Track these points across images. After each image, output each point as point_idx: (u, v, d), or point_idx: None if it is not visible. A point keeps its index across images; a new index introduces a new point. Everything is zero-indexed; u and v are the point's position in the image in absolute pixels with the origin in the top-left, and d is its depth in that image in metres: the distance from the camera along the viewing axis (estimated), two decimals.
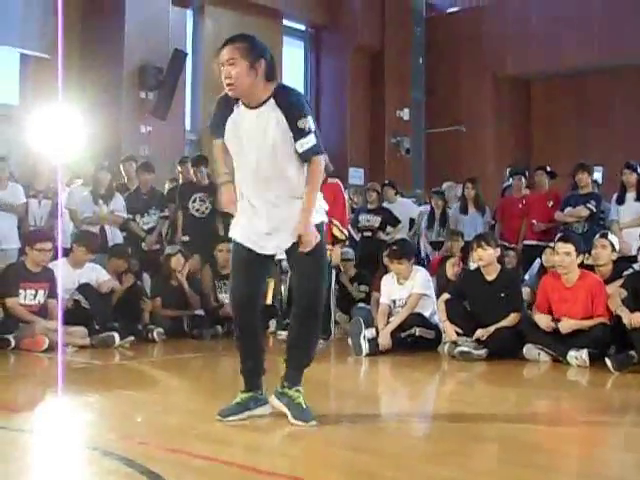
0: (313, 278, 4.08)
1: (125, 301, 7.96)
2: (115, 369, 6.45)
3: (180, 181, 9.90)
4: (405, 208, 10.90)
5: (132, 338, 7.48)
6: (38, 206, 8.59)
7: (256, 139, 3.99)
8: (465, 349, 6.58)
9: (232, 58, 3.90)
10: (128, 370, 6.46)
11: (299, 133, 3.95)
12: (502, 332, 6.64)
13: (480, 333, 6.63)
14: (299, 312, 4.14)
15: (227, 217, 9.18)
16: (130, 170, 9.58)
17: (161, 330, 7.79)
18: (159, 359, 7.19)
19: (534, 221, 9.45)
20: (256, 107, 3.98)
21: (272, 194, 4.04)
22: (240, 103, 4.04)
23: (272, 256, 4.20)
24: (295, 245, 4.04)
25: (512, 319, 6.73)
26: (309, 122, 3.97)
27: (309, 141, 3.97)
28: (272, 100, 3.96)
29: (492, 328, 6.65)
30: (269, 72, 3.98)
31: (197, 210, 9.20)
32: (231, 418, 4.06)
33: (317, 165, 4.05)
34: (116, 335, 7.27)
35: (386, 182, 11.15)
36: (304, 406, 4.03)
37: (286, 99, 3.97)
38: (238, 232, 4.15)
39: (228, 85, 3.94)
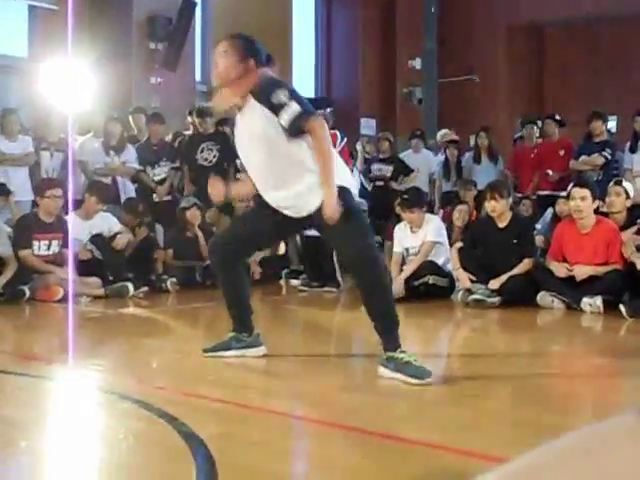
0: (352, 244, 3.84)
1: (138, 252, 7.99)
2: (130, 318, 6.48)
3: (190, 132, 9.88)
4: (427, 160, 10.85)
5: (146, 288, 7.52)
6: (50, 158, 8.57)
7: (247, 140, 3.99)
8: (479, 297, 6.58)
9: (224, 51, 3.98)
10: (143, 319, 6.50)
11: (275, 108, 3.80)
12: (515, 280, 6.64)
13: (494, 284, 6.63)
14: (356, 281, 4.01)
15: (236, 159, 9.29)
16: (139, 122, 9.55)
17: (174, 280, 7.83)
18: (173, 308, 7.23)
19: (549, 171, 9.40)
20: (242, 110, 4.00)
21: (283, 179, 3.91)
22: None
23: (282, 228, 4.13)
24: (321, 219, 3.82)
25: (525, 265, 6.72)
26: (280, 94, 3.81)
27: (290, 110, 3.79)
28: (251, 98, 3.92)
29: (505, 277, 6.65)
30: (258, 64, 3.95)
31: (205, 159, 9.18)
32: (211, 354, 4.24)
33: (317, 130, 3.81)
34: (130, 285, 7.31)
35: (417, 133, 11.09)
36: (414, 364, 3.73)
37: (258, 89, 3.90)
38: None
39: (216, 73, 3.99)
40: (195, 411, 3.25)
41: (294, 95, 3.84)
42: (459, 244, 7.10)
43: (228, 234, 4.40)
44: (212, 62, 4.02)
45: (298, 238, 9.34)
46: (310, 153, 3.86)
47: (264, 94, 3.85)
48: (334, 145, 7.89)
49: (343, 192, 3.84)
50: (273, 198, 3.99)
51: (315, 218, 3.89)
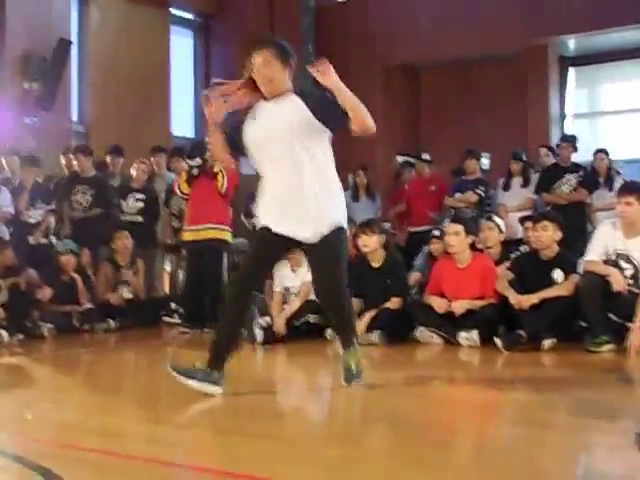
0: (332, 278, 4.38)
1: (12, 297, 7.73)
2: (4, 367, 6.27)
3: (66, 173, 9.75)
4: None
5: (21, 335, 7.31)
6: None
7: (274, 124, 4.27)
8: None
9: (266, 61, 4.30)
10: (18, 368, 6.29)
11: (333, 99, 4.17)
12: (390, 316, 6.77)
13: (360, 325, 6.70)
14: (329, 306, 4.57)
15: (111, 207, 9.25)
16: (12, 164, 9.30)
17: (51, 326, 7.62)
18: (49, 355, 7.03)
19: (431, 213, 9.64)
20: (274, 98, 4.33)
21: (301, 179, 4.24)
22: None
23: (288, 247, 4.50)
24: (316, 248, 4.31)
25: (394, 303, 6.86)
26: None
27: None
28: (292, 94, 4.34)
29: (372, 312, 6.80)
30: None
31: (78, 202, 9.10)
32: (175, 375, 4.28)
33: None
34: (4, 332, 7.12)
35: None
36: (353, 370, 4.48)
37: (306, 90, 4.41)
38: (270, 220, 4.33)
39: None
40: (70, 462, 3.16)
41: None
42: None
43: (253, 267, 4.42)
44: (256, 69, 4.30)
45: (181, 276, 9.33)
46: (329, 159, 4.36)
47: (314, 93, 4.35)
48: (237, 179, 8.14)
49: (342, 232, 4.39)
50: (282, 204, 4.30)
51: (313, 248, 4.34)
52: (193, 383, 4.25)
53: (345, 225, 4.43)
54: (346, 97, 4.17)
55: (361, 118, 4.18)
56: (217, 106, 4.38)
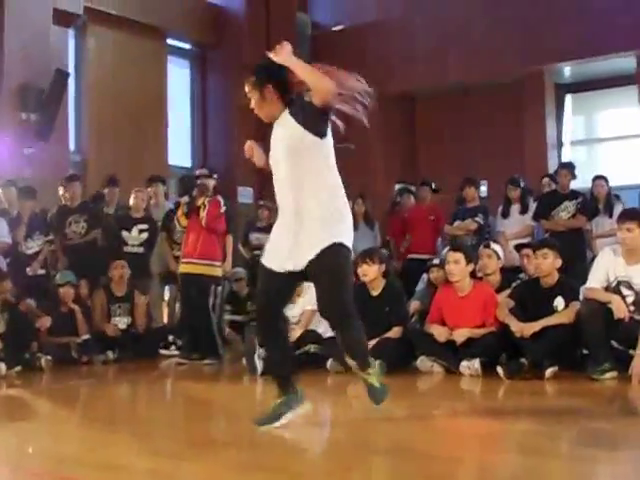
0: (333, 295, 4.29)
1: (10, 329, 7.68)
2: (2, 400, 6.21)
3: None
4: None
5: (19, 367, 7.25)
6: None
7: (274, 149, 4.35)
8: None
9: (249, 92, 4.42)
10: (16, 400, 6.24)
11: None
12: (391, 345, 6.70)
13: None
14: (332, 325, 4.49)
15: (109, 229, 9.27)
16: (10, 195, 9.29)
17: (49, 358, 7.56)
18: (48, 388, 6.97)
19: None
20: (275, 121, 4.39)
21: (298, 201, 4.25)
22: None
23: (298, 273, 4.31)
24: (313, 265, 4.18)
25: (395, 332, 6.83)
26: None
27: None
28: (286, 110, 4.32)
29: (373, 341, 6.72)
30: (281, 91, 4.33)
31: (74, 232, 9.12)
32: (267, 426, 4.23)
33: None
34: (2, 365, 7.05)
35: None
36: (377, 385, 4.36)
37: (295, 104, 4.30)
38: (265, 258, 4.37)
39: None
40: None
41: None
42: None
43: (260, 290, 4.46)
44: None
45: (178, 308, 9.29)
46: (328, 175, 4.35)
47: (300, 104, 4.28)
48: (219, 209, 8.10)
49: (342, 249, 4.28)
50: (288, 232, 4.27)
51: (311, 267, 4.20)
52: (284, 418, 4.30)
53: (349, 243, 4.35)
54: (298, 69, 4.19)
55: (316, 87, 4.16)
56: (258, 154, 4.55)
